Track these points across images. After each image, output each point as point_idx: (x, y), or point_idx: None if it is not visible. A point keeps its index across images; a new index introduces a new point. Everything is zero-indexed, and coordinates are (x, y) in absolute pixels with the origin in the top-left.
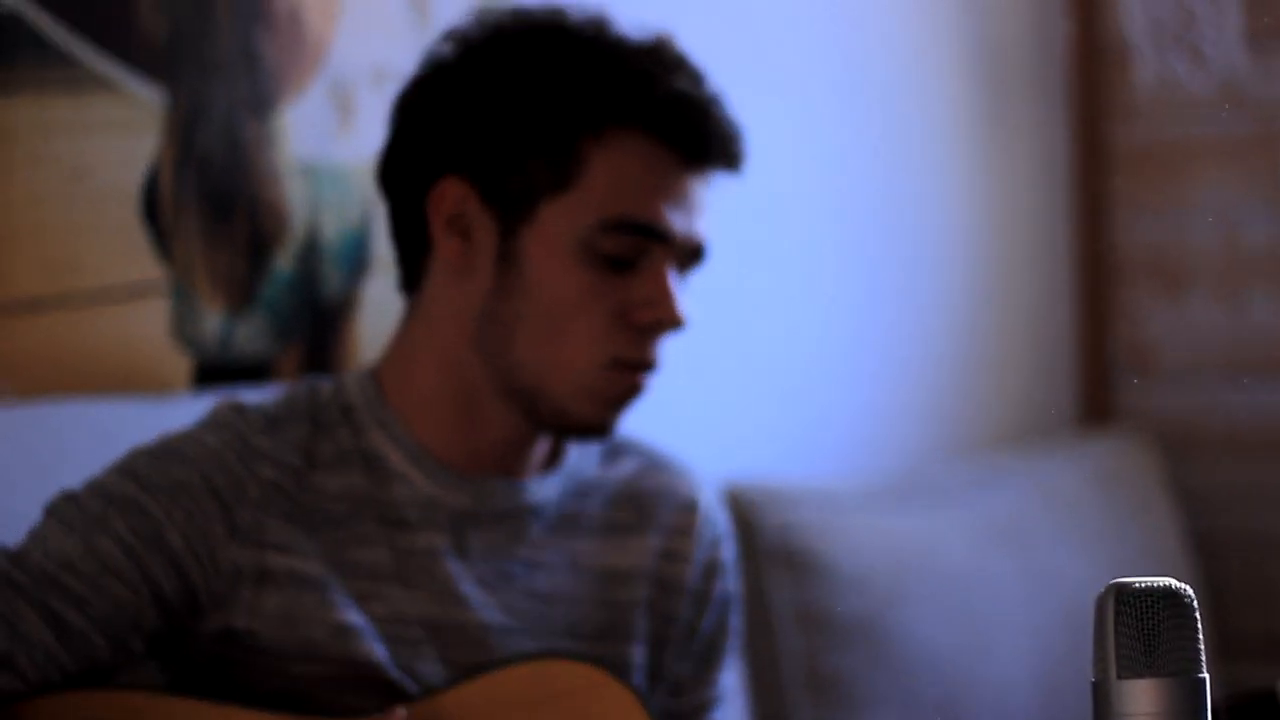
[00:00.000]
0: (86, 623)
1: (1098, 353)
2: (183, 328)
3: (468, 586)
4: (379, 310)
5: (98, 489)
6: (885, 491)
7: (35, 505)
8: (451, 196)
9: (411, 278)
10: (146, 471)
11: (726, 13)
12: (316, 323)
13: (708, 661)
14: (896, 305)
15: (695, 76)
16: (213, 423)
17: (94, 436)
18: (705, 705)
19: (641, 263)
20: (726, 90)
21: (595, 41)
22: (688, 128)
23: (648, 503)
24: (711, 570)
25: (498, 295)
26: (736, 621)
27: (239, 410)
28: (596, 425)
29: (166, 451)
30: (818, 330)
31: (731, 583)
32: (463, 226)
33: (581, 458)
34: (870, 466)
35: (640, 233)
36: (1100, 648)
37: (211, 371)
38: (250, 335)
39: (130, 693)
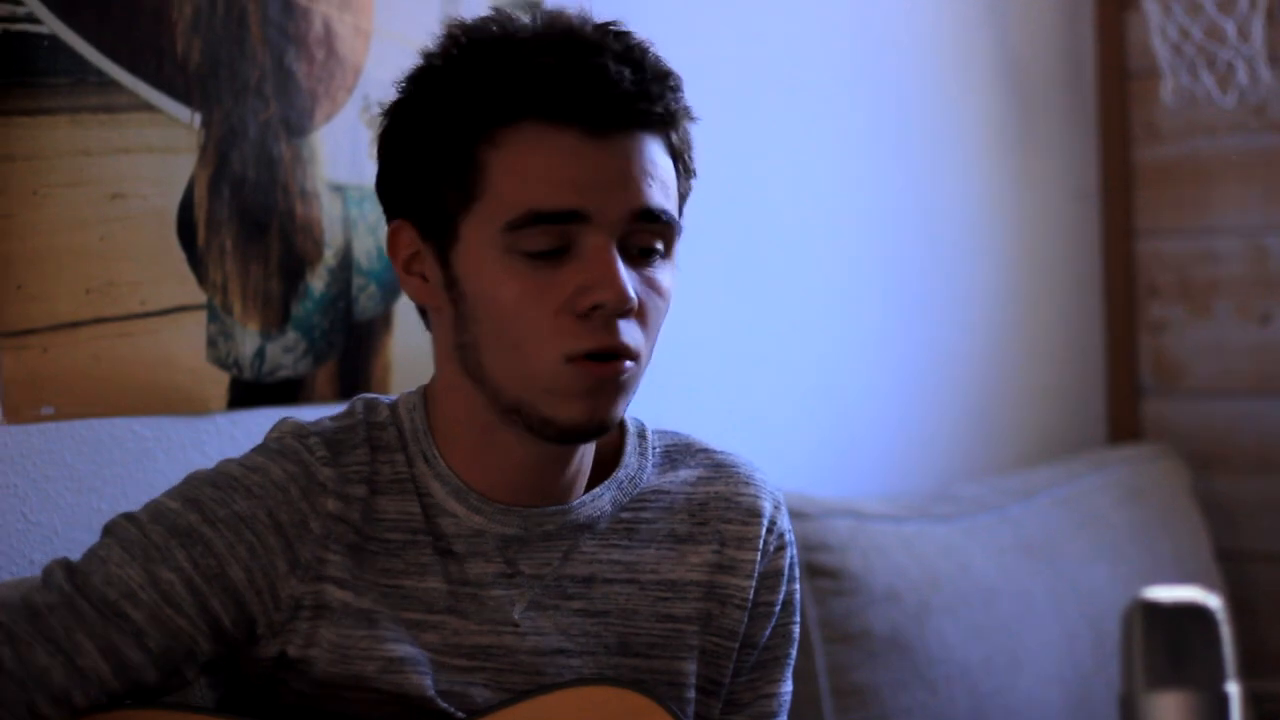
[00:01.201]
0: (144, 657)
1: (1126, 370)
2: (218, 347)
3: (520, 612)
4: (412, 328)
5: (161, 515)
6: (916, 507)
7: (75, 522)
8: (401, 240)
9: (425, 317)
10: (210, 503)
11: (761, 40)
12: (350, 341)
13: (766, 671)
14: (927, 325)
15: (586, 44)
16: (276, 450)
17: (132, 454)
18: (767, 715)
19: (577, 250)
20: (761, 116)
21: (479, 46)
22: (574, 100)
23: (707, 512)
24: (772, 580)
25: (459, 324)
26: (797, 629)
27: (302, 435)
28: (584, 424)
29: (230, 482)
30: (849, 350)
31: (795, 587)
32: (418, 267)
33: (638, 465)
34: (902, 485)
35: (554, 220)
36: (1128, 660)
37: (247, 390)
38: (285, 354)
39: (173, 712)
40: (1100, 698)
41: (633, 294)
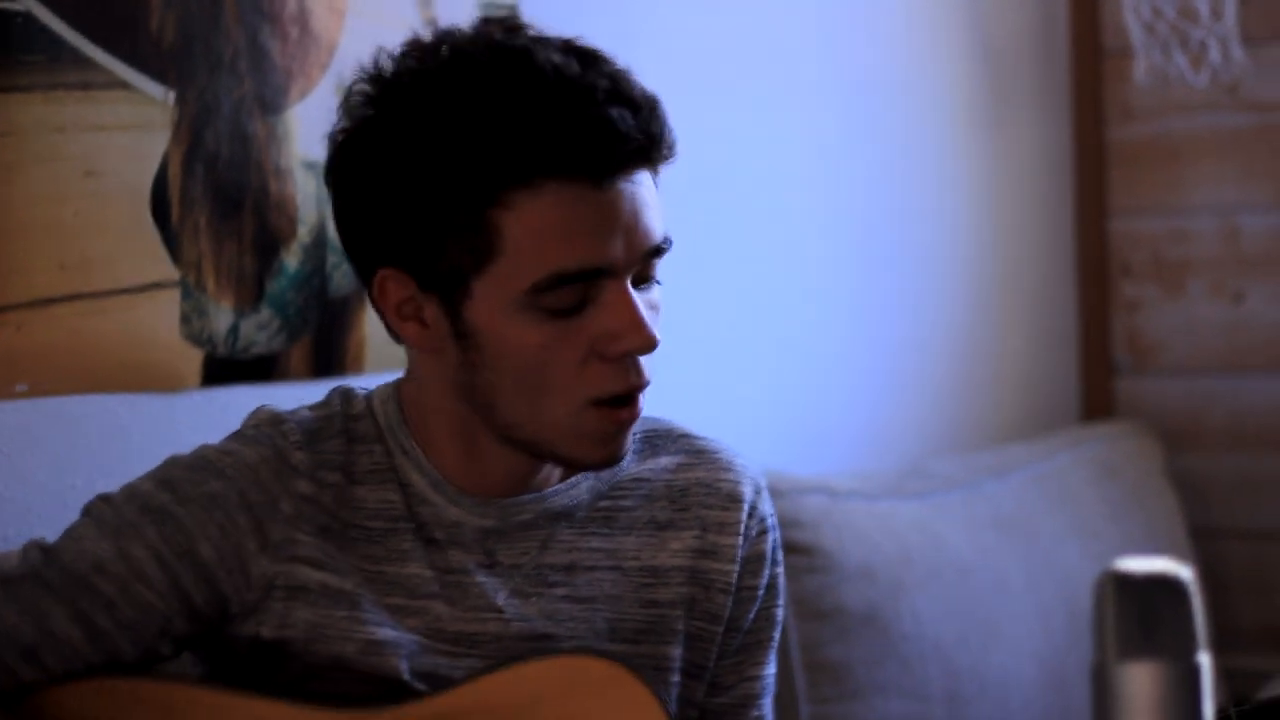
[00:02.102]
0: (114, 625)
1: (1099, 348)
2: (193, 324)
3: (502, 598)
4: None
5: (134, 496)
6: (890, 484)
7: (49, 499)
8: (393, 288)
9: (394, 335)
10: (182, 483)
11: (733, 15)
12: (325, 318)
13: (750, 654)
14: (900, 303)
15: (576, 89)
16: (252, 436)
17: (106, 431)
18: (751, 698)
19: (596, 295)
20: (734, 95)
21: (469, 100)
22: (585, 155)
23: (687, 499)
24: (755, 564)
25: (469, 368)
26: (781, 613)
27: (277, 422)
28: (604, 463)
29: (203, 464)
30: (822, 327)
31: (778, 571)
32: (414, 311)
33: None
34: (875, 463)
35: (579, 279)
36: (1099, 630)
37: (221, 367)
38: (259, 331)
39: (153, 681)
40: (1075, 673)
41: (658, 335)
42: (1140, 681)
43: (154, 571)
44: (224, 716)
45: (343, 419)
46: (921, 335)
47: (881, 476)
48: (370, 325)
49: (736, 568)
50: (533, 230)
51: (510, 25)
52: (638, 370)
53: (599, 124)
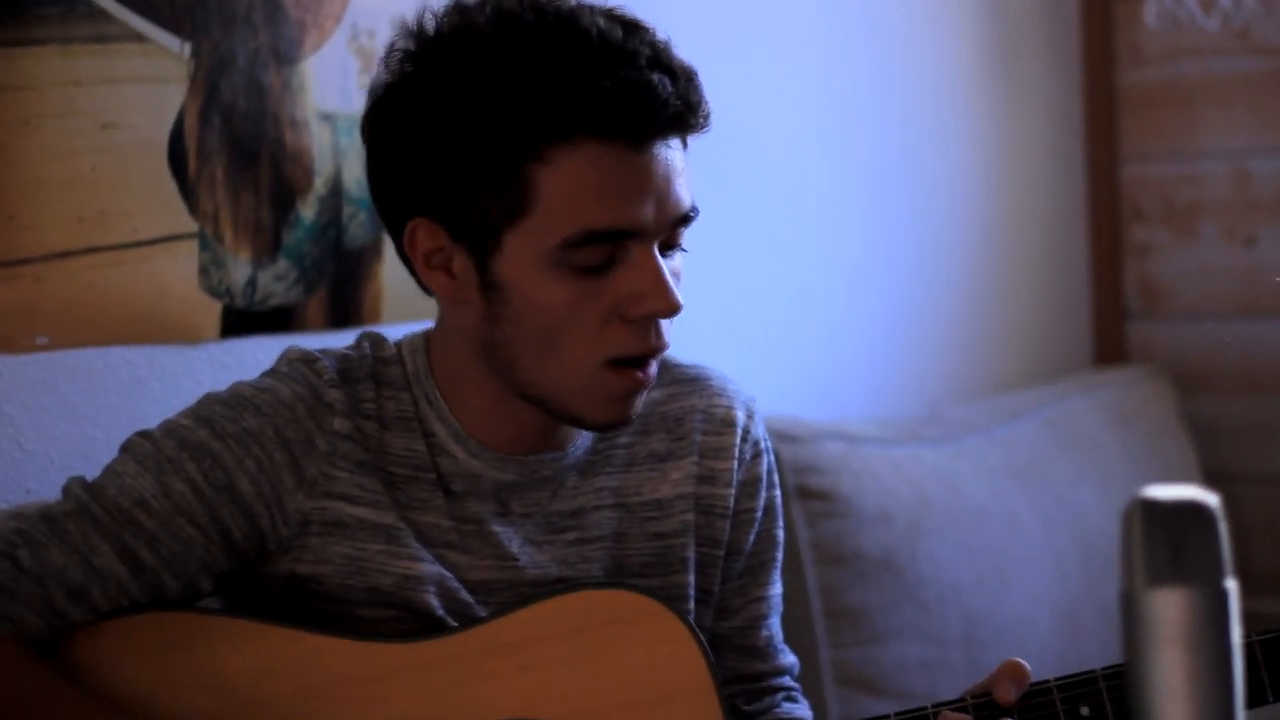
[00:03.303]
0: (157, 560)
1: (1111, 294)
2: (210, 276)
3: (516, 546)
4: None
5: (173, 432)
6: (906, 430)
7: (70, 451)
8: (422, 237)
9: (424, 286)
10: (220, 419)
11: None
12: (341, 269)
13: (755, 576)
14: (911, 251)
15: (619, 52)
16: (286, 373)
17: (126, 382)
18: (758, 618)
19: (623, 256)
20: (743, 46)
21: (513, 54)
22: (624, 116)
23: (683, 427)
24: (751, 487)
25: (491, 321)
26: (781, 533)
27: (310, 361)
28: (614, 424)
29: (240, 401)
30: (834, 276)
31: (775, 493)
32: (442, 262)
33: None
34: (890, 409)
35: (609, 238)
36: (1127, 558)
37: (239, 318)
38: (276, 282)
39: (194, 614)
40: (1089, 616)
41: (681, 300)
42: (1169, 607)
43: (194, 505)
44: (269, 648)
45: (371, 362)
46: (933, 282)
47: (897, 423)
48: (387, 276)
49: (733, 491)
50: (568, 186)
51: None
52: (658, 333)
53: (640, 87)
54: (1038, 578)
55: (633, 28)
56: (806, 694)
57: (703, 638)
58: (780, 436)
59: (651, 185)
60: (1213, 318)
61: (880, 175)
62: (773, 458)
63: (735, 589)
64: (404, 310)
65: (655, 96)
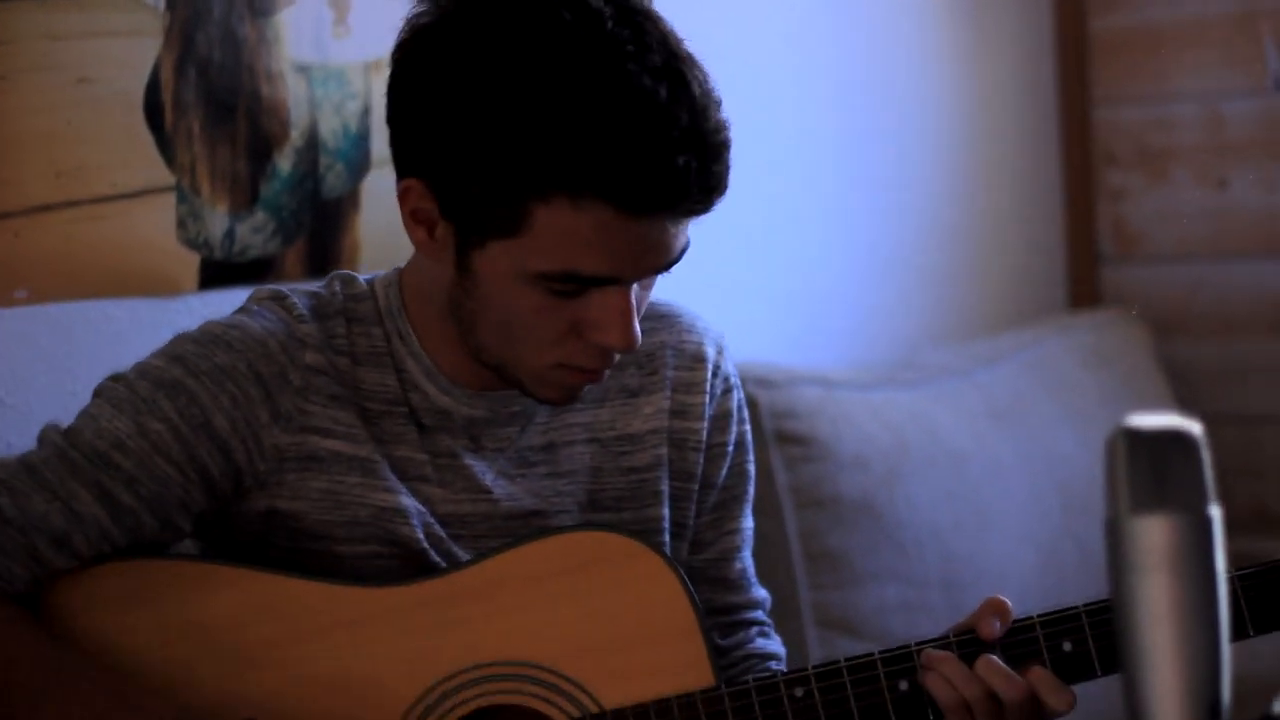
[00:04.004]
0: (137, 501)
1: (1084, 237)
2: (188, 228)
3: (490, 479)
4: (380, 207)
5: (146, 372)
6: (883, 374)
7: (50, 404)
8: (414, 195)
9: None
10: (192, 357)
11: None
12: (319, 220)
13: (727, 509)
14: (885, 196)
15: (658, 119)
16: (256, 310)
17: (105, 336)
18: (731, 550)
19: (596, 288)
20: None
21: (553, 90)
22: (642, 195)
23: (655, 362)
24: (723, 421)
25: (460, 289)
26: (752, 467)
27: (279, 298)
28: (559, 403)
29: (211, 338)
30: (811, 221)
31: (745, 428)
32: (427, 221)
33: None
34: (866, 354)
35: (588, 282)
36: (1112, 485)
37: (218, 270)
38: (254, 234)
39: (173, 561)
40: (1069, 558)
41: (639, 337)
42: (1153, 534)
43: (171, 444)
44: (247, 594)
45: (343, 299)
46: (907, 228)
47: (874, 367)
48: (364, 227)
49: (705, 425)
50: (561, 230)
51: None
52: (610, 358)
53: (664, 171)
54: (1017, 519)
55: (681, 82)
56: (786, 638)
57: (685, 577)
58: (758, 382)
59: (645, 247)
60: (1186, 261)
61: (853, 119)
62: (742, 394)
63: (708, 522)
64: (382, 260)
65: (676, 183)
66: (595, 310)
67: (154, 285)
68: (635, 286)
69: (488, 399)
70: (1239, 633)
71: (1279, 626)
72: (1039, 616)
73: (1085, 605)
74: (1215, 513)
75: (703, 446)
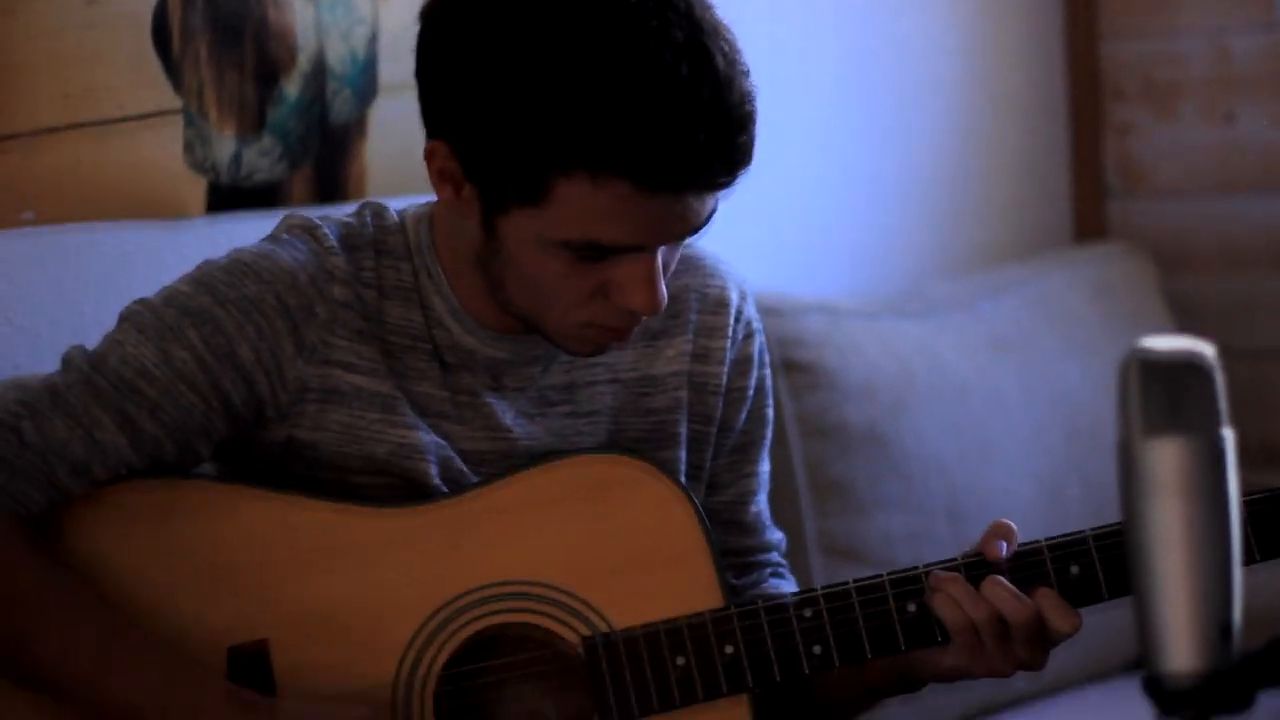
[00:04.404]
0: (159, 428)
1: (1091, 171)
2: (195, 152)
3: (510, 419)
4: (388, 133)
5: (173, 299)
6: (889, 305)
7: (57, 327)
8: (440, 156)
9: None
10: (220, 286)
11: None
12: (326, 146)
13: (745, 453)
14: (895, 127)
15: (678, 97)
16: (287, 240)
17: (112, 259)
18: (747, 494)
19: (621, 254)
20: None
21: (579, 67)
22: (662, 171)
23: (678, 305)
24: (744, 365)
25: (487, 248)
26: (771, 411)
27: (310, 228)
28: (586, 356)
29: (240, 268)
30: (817, 152)
31: (766, 373)
32: (453, 182)
33: None
34: (871, 285)
35: (612, 251)
36: (1124, 409)
37: (225, 195)
38: (261, 158)
39: (190, 481)
40: (1072, 491)
41: (665, 299)
42: (1166, 457)
43: (196, 372)
44: (263, 515)
45: (373, 231)
46: (912, 159)
47: (881, 298)
48: (371, 153)
49: (726, 369)
50: (584, 203)
51: None
52: (638, 317)
53: (684, 149)
54: (1021, 451)
55: (705, 55)
56: (792, 566)
57: (697, 500)
58: (765, 310)
59: (670, 219)
60: (1192, 195)
61: (862, 49)
62: (764, 339)
63: (725, 465)
64: (389, 187)
65: (698, 161)
66: (621, 274)
67: (160, 209)
68: (661, 249)
69: (511, 341)
70: (1246, 558)
71: None
72: (1046, 541)
73: (1092, 530)
74: (1228, 436)
75: (722, 390)
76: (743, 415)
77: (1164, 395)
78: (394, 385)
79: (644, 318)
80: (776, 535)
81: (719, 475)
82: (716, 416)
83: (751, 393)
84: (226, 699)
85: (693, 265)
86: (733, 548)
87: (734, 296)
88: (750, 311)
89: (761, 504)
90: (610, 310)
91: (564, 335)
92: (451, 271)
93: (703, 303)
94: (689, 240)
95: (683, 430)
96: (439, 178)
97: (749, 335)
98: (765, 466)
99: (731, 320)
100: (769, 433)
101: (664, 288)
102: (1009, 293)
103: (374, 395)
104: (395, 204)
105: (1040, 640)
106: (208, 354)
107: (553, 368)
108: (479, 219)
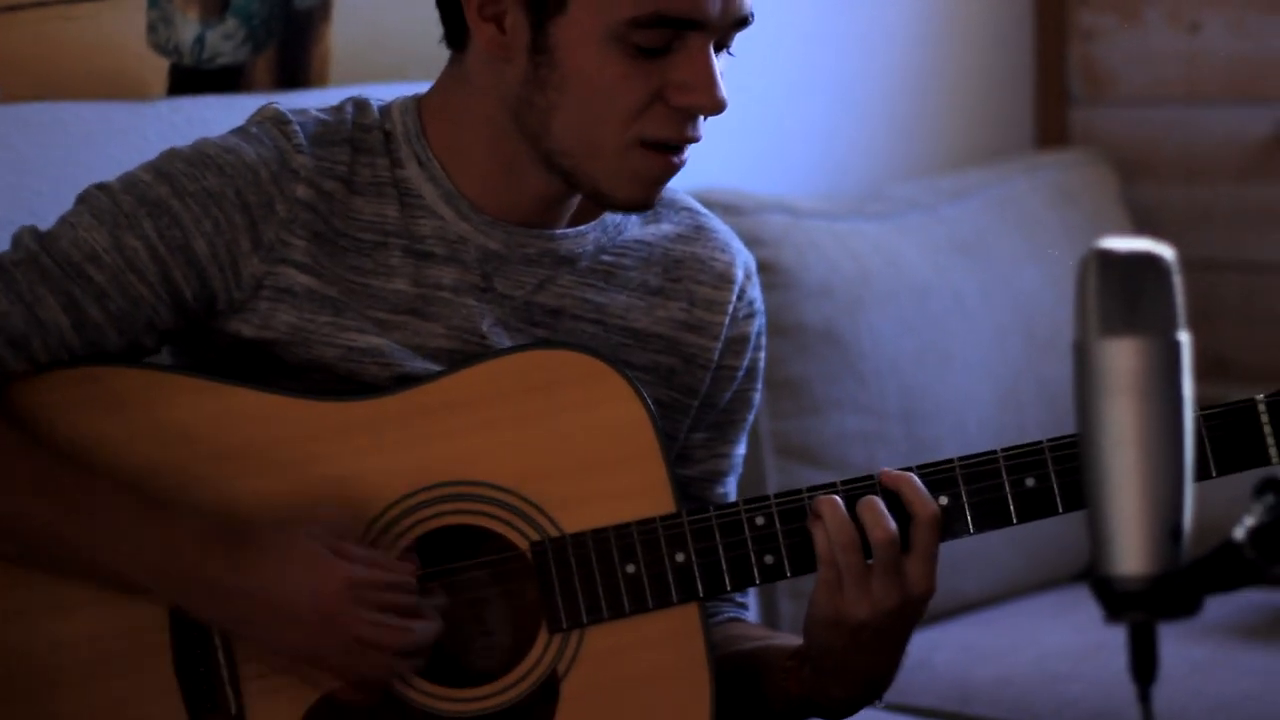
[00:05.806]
0: (104, 316)
1: (1054, 76)
2: (159, 33)
3: (488, 325)
4: (352, 19)
5: (133, 186)
6: (849, 205)
7: (17, 204)
8: None
9: (454, 38)
10: (181, 177)
11: None
12: (289, 30)
13: (722, 432)
14: (858, 29)
15: None
16: (255, 134)
17: (73, 138)
18: (717, 474)
19: (681, 45)
20: None
21: None
22: None
23: (680, 270)
24: (739, 345)
25: (533, 84)
26: (758, 396)
27: (281, 122)
28: (637, 206)
29: (203, 159)
30: (781, 51)
31: (760, 355)
32: (495, 14)
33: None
34: (832, 186)
35: (675, 25)
36: (1081, 307)
37: (187, 77)
38: (224, 41)
39: (136, 369)
40: (1030, 394)
41: (726, 99)
42: (1122, 356)
43: (147, 263)
44: (211, 404)
45: (350, 127)
46: (877, 61)
47: (841, 198)
48: (335, 37)
49: (719, 345)
50: None
51: None
52: (695, 124)
53: None
54: (978, 354)
55: None
56: (745, 465)
57: (649, 399)
58: (724, 208)
59: None
60: (1156, 104)
61: None
62: (764, 321)
63: (701, 441)
64: (352, 73)
65: None
66: (680, 70)
67: (122, 89)
68: (714, 57)
69: (505, 231)
70: (1202, 473)
71: (1241, 467)
72: (1002, 451)
73: (1049, 441)
74: (1185, 338)
75: (712, 366)
76: (728, 394)
77: (1122, 293)
78: (347, 287)
79: (643, 265)
80: None
81: (693, 450)
82: (701, 390)
83: (741, 374)
84: (203, 533)
85: (704, 234)
86: None
87: (739, 274)
88: (754, 293)
89: (729, 487)
90: (669, 119)
91: (614, 172)
92: (447, 158)
93: (706, 274)
94: (730, 51)
95: (649, 392)
96: (479, 16)
97: (749, 315)
98: (741, 450)
99: (734, 298)
100: (751, 417)
101: (723, 88)
102: (970, 196)
103: (325, 298)
104: (358, 89)
105: (898, 592)
106: (161, 245)
107: (550, 287)
108: (526, 45)
